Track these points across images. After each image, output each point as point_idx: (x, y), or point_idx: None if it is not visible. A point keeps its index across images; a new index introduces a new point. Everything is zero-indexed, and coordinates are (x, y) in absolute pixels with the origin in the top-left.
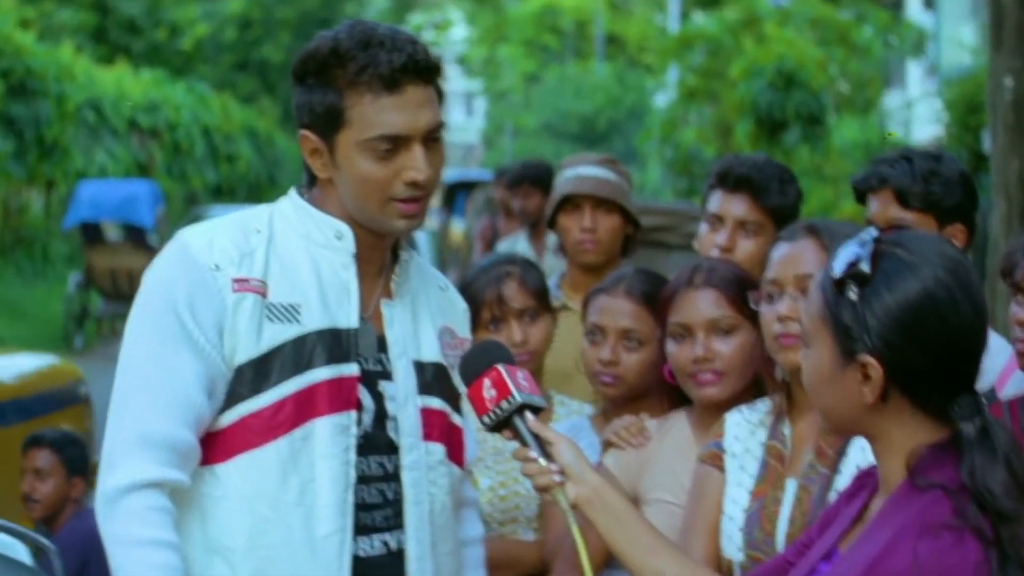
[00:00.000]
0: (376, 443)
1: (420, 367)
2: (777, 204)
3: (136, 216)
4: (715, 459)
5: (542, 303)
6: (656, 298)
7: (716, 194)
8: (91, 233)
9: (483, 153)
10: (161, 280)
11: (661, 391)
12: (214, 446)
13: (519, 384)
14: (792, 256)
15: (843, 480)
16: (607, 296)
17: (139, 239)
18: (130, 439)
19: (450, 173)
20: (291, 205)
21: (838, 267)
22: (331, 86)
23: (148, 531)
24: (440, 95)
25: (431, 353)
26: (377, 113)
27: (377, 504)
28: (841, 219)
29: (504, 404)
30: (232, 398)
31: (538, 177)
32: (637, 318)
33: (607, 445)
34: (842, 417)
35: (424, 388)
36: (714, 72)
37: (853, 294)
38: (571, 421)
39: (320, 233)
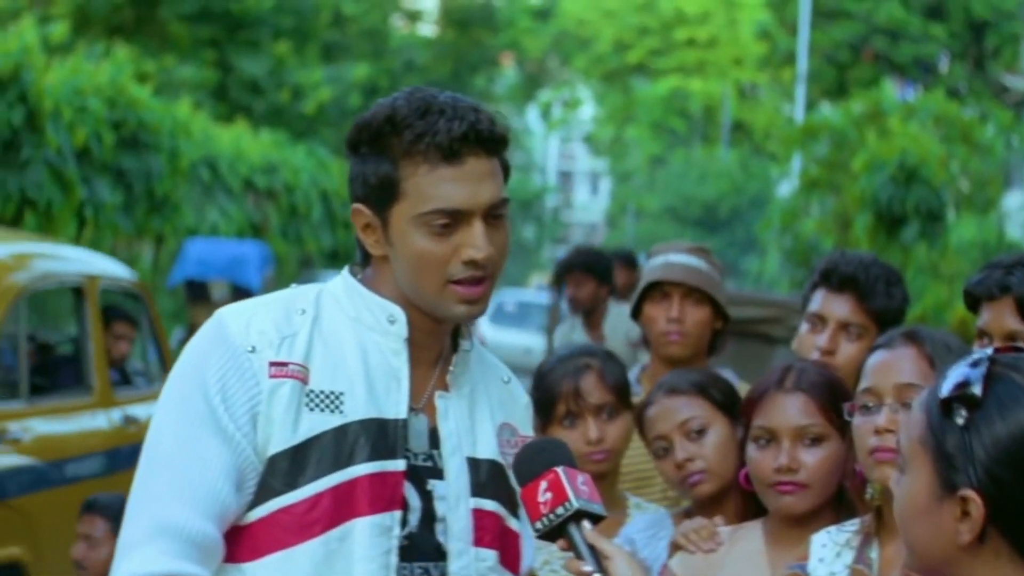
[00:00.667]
0: (422, 547)
1: (475, 465)
2: (883, 307)
3: (243, 276)
4: None
5: (622, 399)
6: (708, 386)
7: (819, 293)
8: (197, 290)
9: (606, 232)
10: (194, 360)
11: (737, 497)
12: (242, 542)
13: (578, 489)
14: (890, 364)
15: None
16: (655, 405)
17: (245, 300)
18: (147, 527)
19: (565, 251)
20: (342, 285)
21: (946, 387)
22: (386, 155)
23: None
24: (506, 169)
25: (487, 450)
26: (434, 185)
27: None
28: (953, 321)
29: (560, 509)
30: (264, 492)
31: (589, 265)
32: (693, 407)
33: (675, 548)
34: (932, 555)
35: (478, 489)
36: (837, 164)
37: (960, 419)
38: (653, 516)
39: (371, 316)
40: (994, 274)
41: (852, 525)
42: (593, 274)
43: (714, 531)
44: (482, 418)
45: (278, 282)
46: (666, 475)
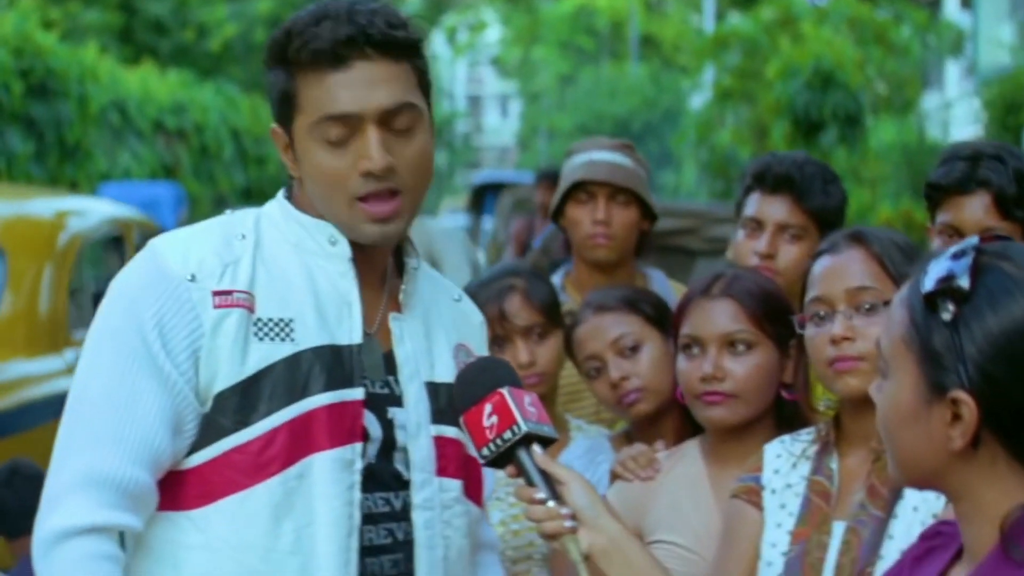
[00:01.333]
0: (382, 477)
1: (434, 390)
2: (821, 206)
3: (158, 218)
4: (752, 495)
5: (552, 319)
6: (637, 300)
7: (753, 196)
8: None
9: (517, 155)
10: (127, 293)
11: (676, 415)
12: (187, 488)
13: (525, 411)
14: (838, 268)
15: (899, 526)
16: (583, 324)
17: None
18: (74, 477)
19: (480, 174)
20: (279, 209)
21: (929, 282)
22: (283, 68)
23: None
24: (424, 80)
25: (446, 374)
26: (322, 92)
27: (386, 546)
28: (878, 225)
29: (507, 434)
30: (212, 431)
31: None
32: (624, 324)
33: (613, 476)
34: (921, 465)
35: (438, 415)
36: (750, 72)
37: (947, 314)
38: (589, 441)
39: (311, 240)
40: (958, 166)
41: (808, 434)
42: None
43: (653, 457)
44: (438, 340)
45: (192, 223)
46: (600, 396)
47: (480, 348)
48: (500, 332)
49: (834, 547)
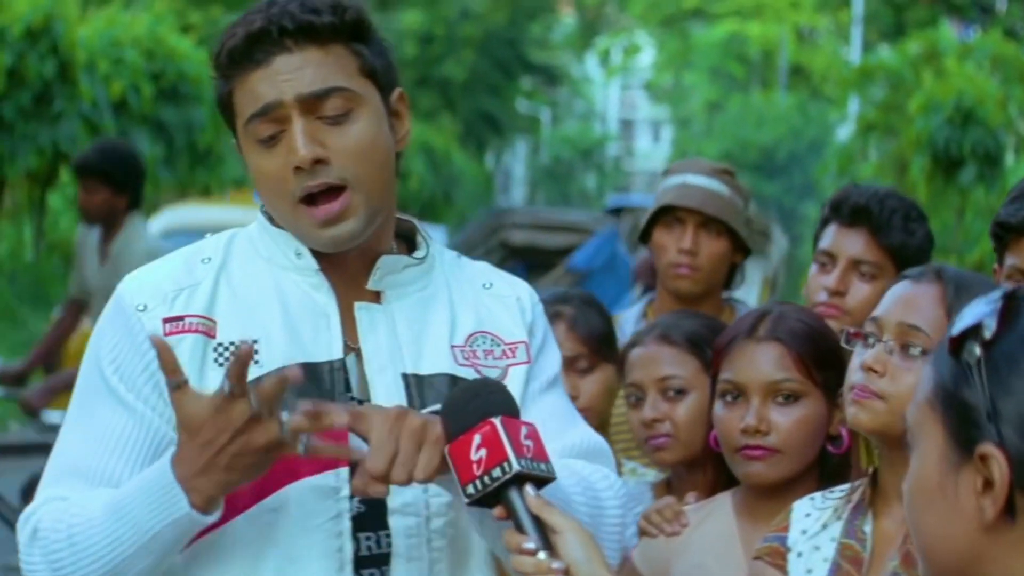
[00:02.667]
0: (383, 512)
1: (416, 383)
2: (900, 243)
3: None
4: (776, 557)
5: (599, 352)
6: (704, 343)
7: (830, 228)
8: None
9: None
10: (96, 330)
11: (711, 466)
12: None
13: (520, 445)
14: (906, 298)
15: None
16: (640, 348)
17: None
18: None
19: (613, 199)
20: (257, 224)
21: (958, 327)
22: (220, 76)
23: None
24: (365, 61)
25: (436, 364)
26: (247, 92)
27: None
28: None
29: (496, 471)
30: None
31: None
32: (678, 364)
33: (641, 533)
34: (950, 551)
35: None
36: (893, 106)
37: (971, 358)
38: (627, 489)
39: (282, 253)
40: None
41: (842, 491)
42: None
43: (680, 511)
44: (435, 329)
45: None
46: (633, 427)
47: (515, 332)
48: None
49: None
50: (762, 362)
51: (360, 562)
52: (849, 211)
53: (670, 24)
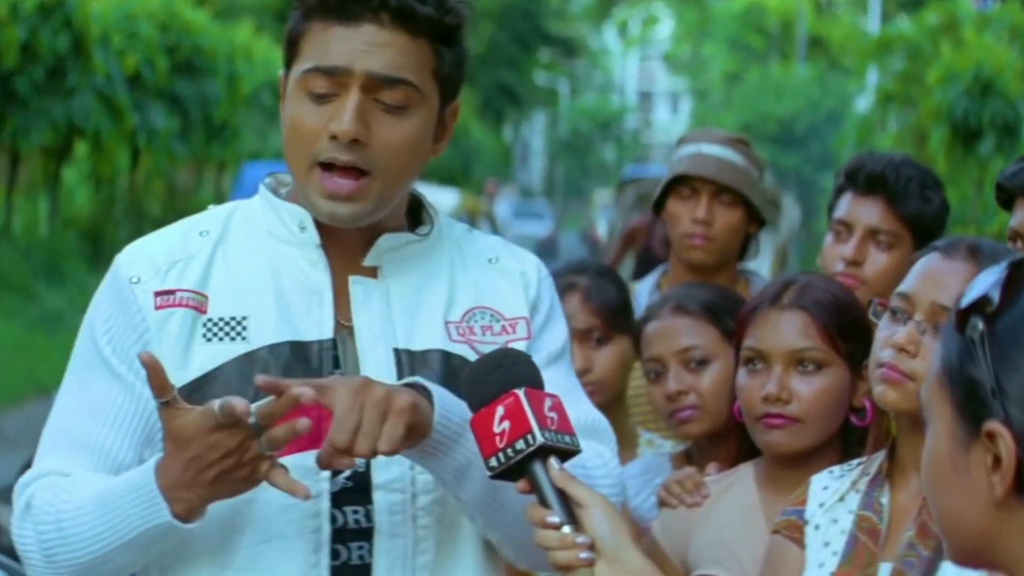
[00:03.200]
0: (368, 486)
1: (408, 358)
2: (917, 212)
3: None
4: (794, 530)
5: (614, 324)
6: (721, 311)
7: (845, 197)
8: None
9: None
10: (93, 301)
11: (736, 436)
12: None
13: (544, 417)
14: (938, 275)
15: (951, 569)
16: (656, 321)
17: None
18: (25, 479)
19: (630, 169)
20: (259, 198)
21: (965, 300)
22: (300, 11)
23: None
24: (442, 65)
25: (427, 340)
26: (321, 42)
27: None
28: None
29: (520, 444)
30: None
31: None
32: (697, 334)
33: (660, 503)
34: (966, 528)
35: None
36: (912, 77)
37: (975, 332)
38: (646, 460)
39: (283, 226)
40: None
41: (859, 463)
42: None
43: (700, 481)
44: (430, 305)
45: None
46: (655, 402)
47: (516, 308)
48: None
49: None
50: (786, 330)
51: (347, 535)
52: (865, 179)
53: None
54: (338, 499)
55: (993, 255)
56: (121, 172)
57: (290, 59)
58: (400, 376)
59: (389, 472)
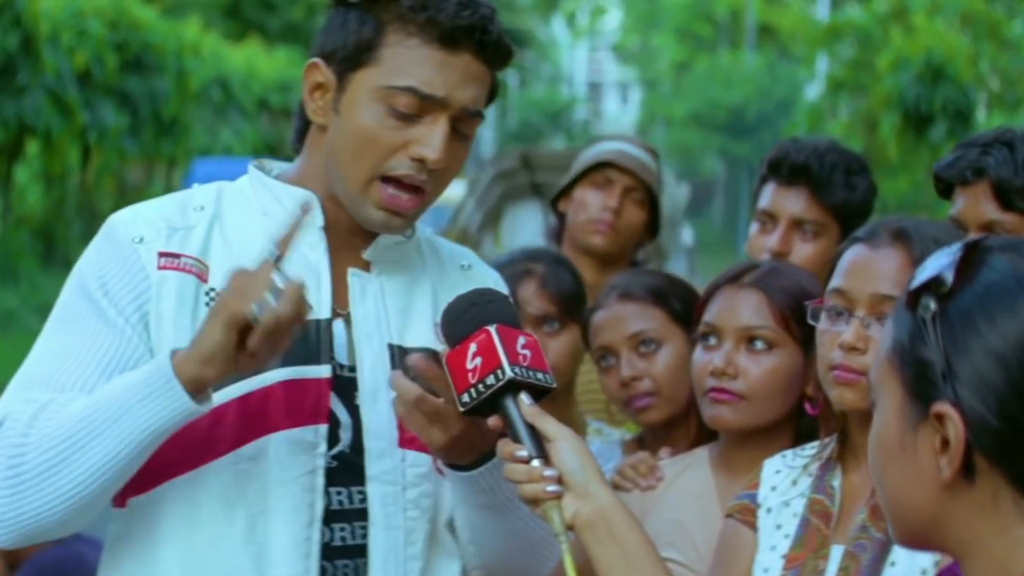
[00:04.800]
0: (357, 469)
1: (402, 354)
2: (842, 200)
3: None
4: (747, 514)
5: (570, 311)
6: (667, 294)
7: (769, 187)
8: None
9: None
10: (81, 263)
11: (694, 421)
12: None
13: (516, 353)
14: (868, 266)
15: (903, 551)
16: (603, 310)
17: None
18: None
19: None
20: (248, 179)
21: (916, 280)
22: (373, 15)
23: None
24: (493, 92)
25: (420, 338)
26: (419, 62)
27: (357, 547)
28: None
29: (490, 379)
30: None
31: None
32: (645, 318)
33: (614, 487)
34: (914, 510)
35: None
36: (862, 64)
37: (927, 312)
38: (596, 447)
39: (281, 207)
40: (968, 154)
41: (811, 448)
42: None
43: (654, 465)
44: (420, 305)
45: None
46: (609, 391)
47: None
48: None
49: (831, 573)
50: (741, 307)
51: (330, 516)
52: (788, 169)
53: None
54: (347, 516)
55: (918, 234)
56: (72, 170)
57: (354, 60)
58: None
59: (382, 464)
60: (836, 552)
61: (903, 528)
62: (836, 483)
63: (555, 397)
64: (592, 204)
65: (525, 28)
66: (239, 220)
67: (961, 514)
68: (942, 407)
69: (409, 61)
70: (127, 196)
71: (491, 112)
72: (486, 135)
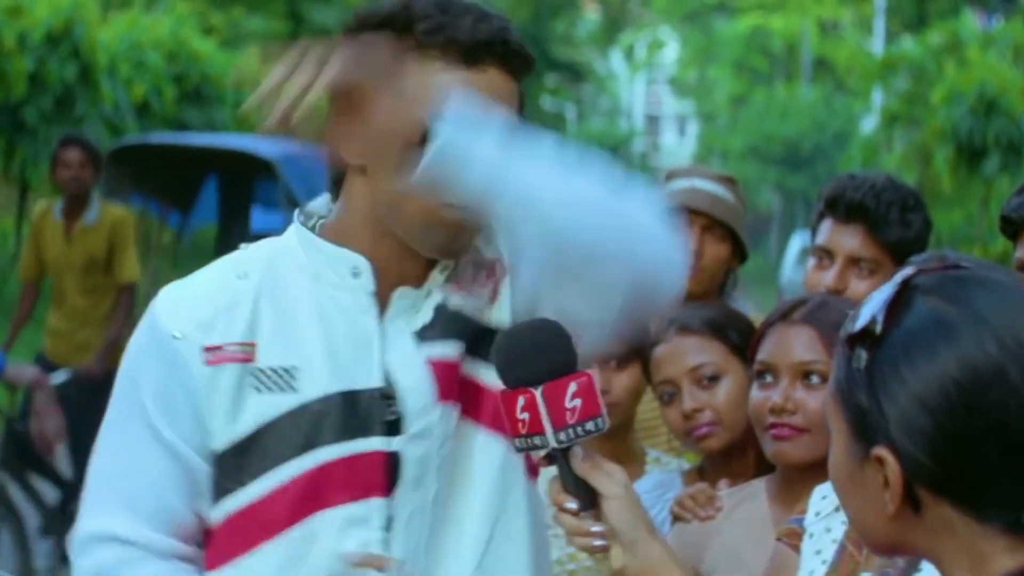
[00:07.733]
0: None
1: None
2: (897, 238)
3: None
4: (794, 538)
5: (633, 348)
6: (725, 327)
7: (826, 223)
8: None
9: None
10: (130, 356)
11: (754, 451)
12: (208, 551)
13: (561, 416)
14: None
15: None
16: (663, 344)
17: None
18: (89, 535)
19: None
20: (296, 237)
21: (853, 324)
22: (392, 40)
23: None
24: (523, 100)
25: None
26: (443, 87)
27: None
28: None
29: (536, 439)
30: (218, 492)
31: None
32: (705, 351)
33: (673, 517)
34: (875, 533)
35: (426, 335)
36: (917, 97)
37: (860, 362)
38: (661, 475)
39: (332, 271)
40: None
41: None
42: None
43: (713, 495)
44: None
45: None
46: (671, 424)
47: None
48: None
49: None
50: (794, 344)
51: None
52: (845, 207)
53: (693, 19)
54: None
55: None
56: None
57: (386, 67)
58: (424, 332)
59: (420, 422)
60: None
61: (872, 545)
62: None
63: (614, 431)
64: None
65: (583, 61)
66: (287, 285)
67: (920, 536)
68: (879, 451)
69: (432, 84)
70: None
71: None
72: None
